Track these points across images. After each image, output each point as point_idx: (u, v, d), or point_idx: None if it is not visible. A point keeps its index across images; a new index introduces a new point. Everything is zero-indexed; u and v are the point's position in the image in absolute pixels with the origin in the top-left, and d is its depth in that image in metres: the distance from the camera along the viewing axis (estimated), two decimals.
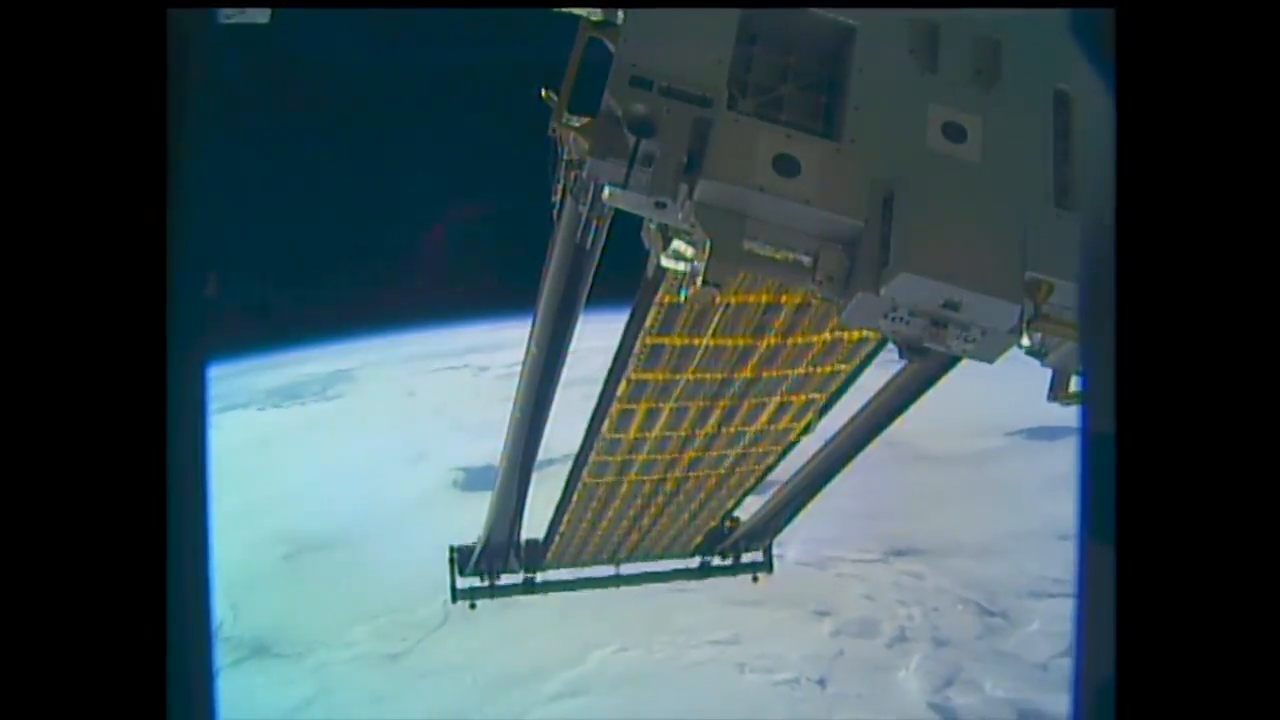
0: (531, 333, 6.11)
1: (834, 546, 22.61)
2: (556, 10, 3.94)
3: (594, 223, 4.71)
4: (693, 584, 10.34)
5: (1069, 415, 4.05)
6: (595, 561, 9.65)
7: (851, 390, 6.65)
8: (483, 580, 9.60)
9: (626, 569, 9.81)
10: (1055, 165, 3.78)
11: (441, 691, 20.39)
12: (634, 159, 3.52)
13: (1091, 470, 1.73)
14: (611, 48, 3.71)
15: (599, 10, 3.86)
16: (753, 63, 3.97)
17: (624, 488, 7.83)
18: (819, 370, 6.20)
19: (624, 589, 9.96)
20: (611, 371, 6.08)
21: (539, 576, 9.68)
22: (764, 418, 6.87)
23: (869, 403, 6.77)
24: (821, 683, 20.63)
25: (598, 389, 6.36)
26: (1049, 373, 4.09)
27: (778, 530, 9.69)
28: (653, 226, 3.89)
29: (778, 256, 3.60)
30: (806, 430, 7.21)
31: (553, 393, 6.62)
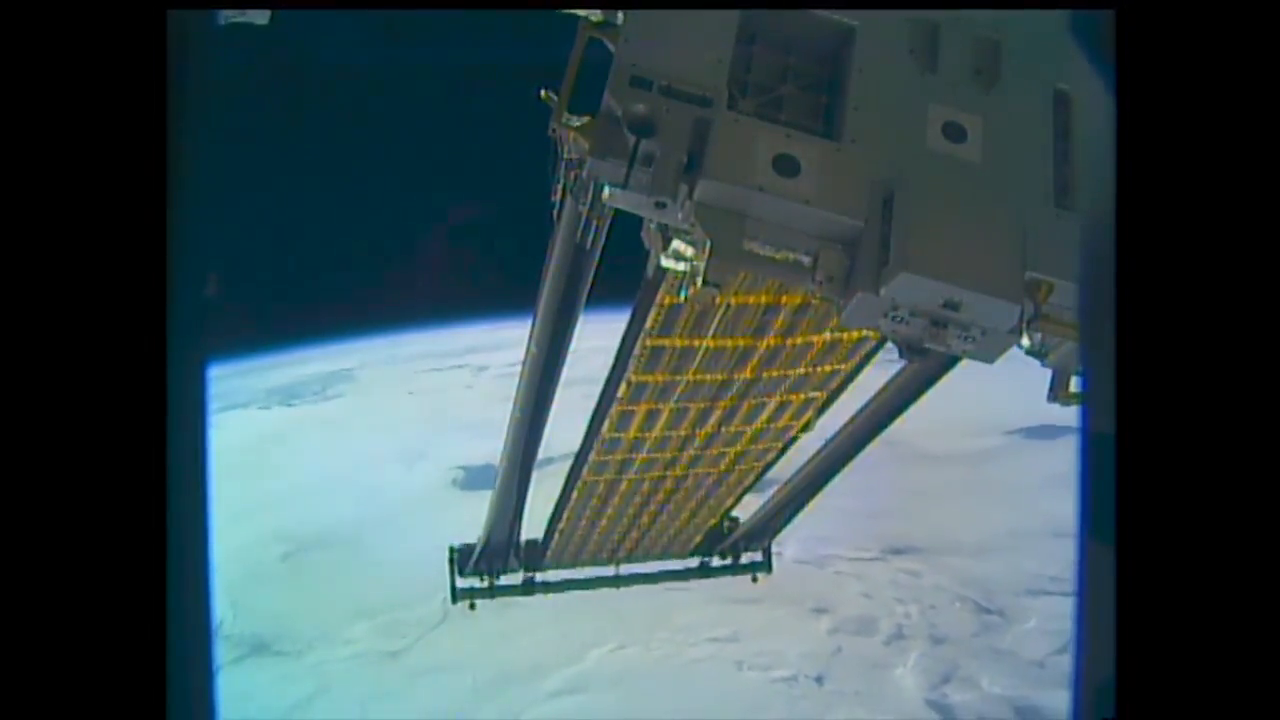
0: (531, 333, 6.11)
1: (832, 545, 22.66)
2: (556, 10, 3.94)
3: (594, 223, 4.70)
4: (691, 582, 10.34)
5: (1067, 414, 4.06)
6: (595, 562, 9.65)
7: (851, 389, 6.65)
8: (482, 580, 9.60)
9: (626, 569, 9.82)
10: (1055, 165, 3.78)
11: (440, 689, 20.42)
12: (634, 159, 3.52)
13: (1091, 470, 1.73)
14: (611, 48, 3.71)
15: (599, 10, 3.86)
16: (753, 63, 3.96)
17: (624, 486, 7.83)
18: (819, 369, 6.20)
19: (623, 587, 9.97)
20: (612, 372, 6.08)
21: (538, 577, 9.67)
22: (764, 417, 6.87)
23: (869, 402, 6.77)
24: (819, 680, 20.67)
25: (598, 389, 6.36)
26: (1047, 372, 4.09)
27: (777, 530, 9.68)
28: (653, 226, 3.89)
29: (778, 256, 3.60)
30: (806, 428, 7.21)
31: (553, 393, 6.62)
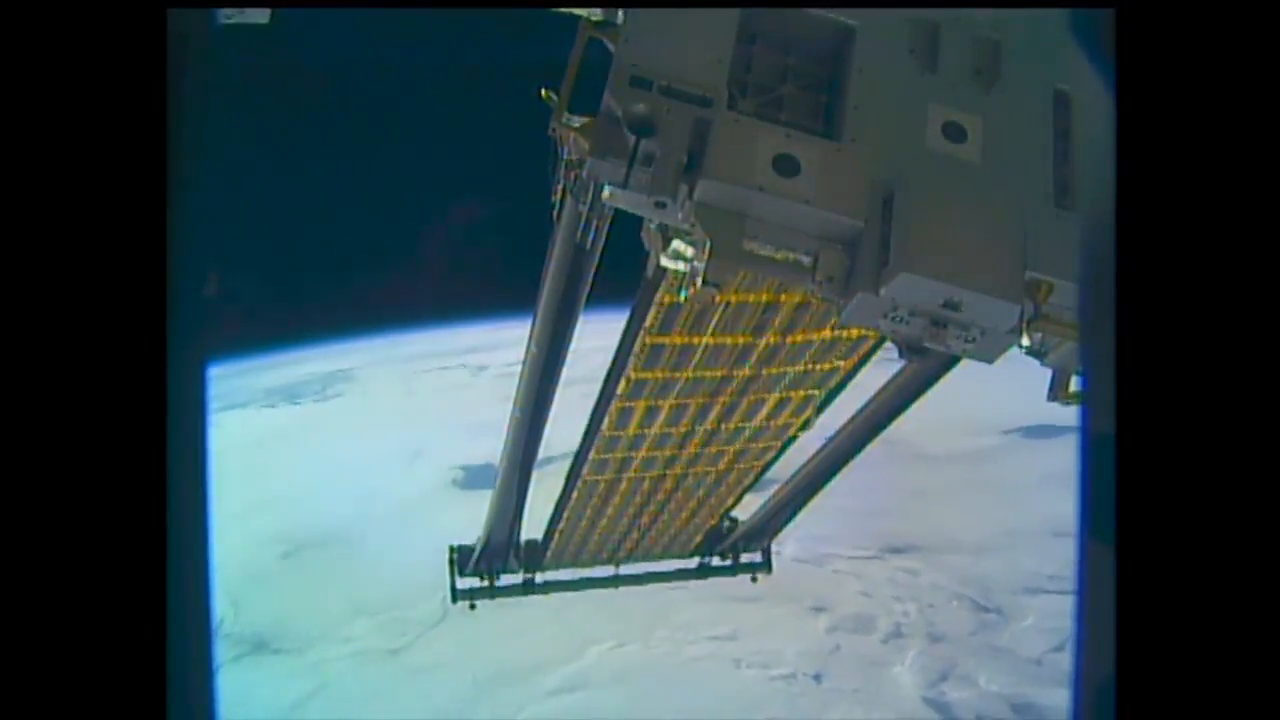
0: (531, 332, 6.12)
1: (831, 544, 22.73)
2: (556, 10, 3.94)
3: (594, 223, 4.71)
4: (691, 582, 10.35)
5: (1065, 414, 4.06)
6: (595, 562, 9.65)
7: (851, 389, 6.65)
8: (482, 580, 9.60)
9: (625, 569, 9.82)
10: (1055, 165, 3.78)
11: (440, 686, 20.47)
12: (634, 159, 3.52)
13: (1091, 470, 1.73)
14: (611, 48, 3.71)
15: (599, 10, 3.86)
16: (753, 63, 3.96)
17: (623, 485, 7.84)
18: (818, 367, 6.21)
19: (622, 588, 9.97)
20: (611, 370, 6.08)
21: (538, 577, 9.68)
22: (763, 414, 6.87)
23: (869, 402, 6.77)
24: (817, 678, 20.74)
25: (597, 388, 6.37)
26: (1045, 371, 4.09)
27: (777, 531, 9.69)
28: (653, 226, 3.89)
29: (778, 256, 3.60)
30: (805, 426, 7.21)
31: (553, 392, 6.63)
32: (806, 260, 3.60)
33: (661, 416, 6.63)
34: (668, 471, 7.71)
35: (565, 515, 8.38)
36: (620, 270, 5.20)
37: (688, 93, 3.61)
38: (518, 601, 9.81)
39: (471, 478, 24.85)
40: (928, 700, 20.08)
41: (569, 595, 9.98)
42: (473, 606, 9.72)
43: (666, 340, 5.62)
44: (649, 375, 6.00)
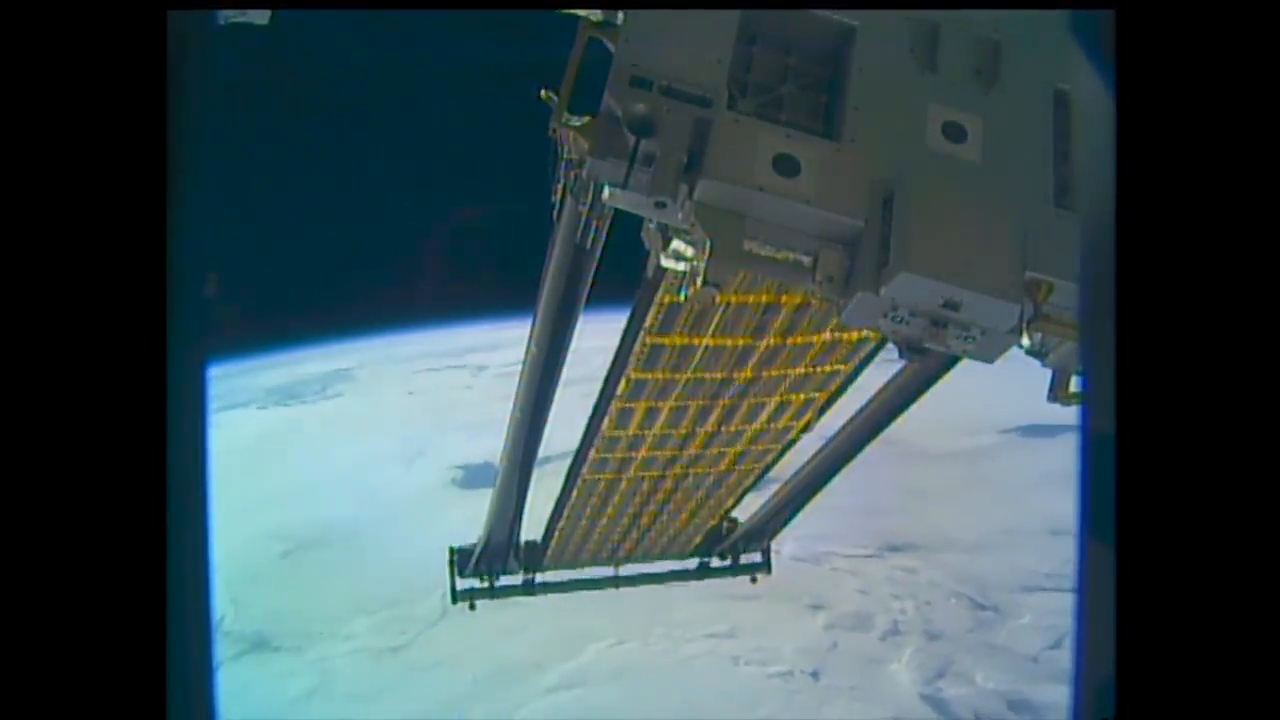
0: (531, 332, 6.11)
1: (829, 542, 22.77)
2: (556, 10, 3.94)
3: (594, 223, 4.71)
4: (690, 581, 10.36)
5: (1062, 413, 4.06)
6: (594, 562, 9.65)
7: (851, 390, 6.65)
8: (482, 581, 9.61)
9: (625, 570, 9.82)
10: (1055, 165, 3.78)
11: (440, 684, 20.49)
12: (634, 159, 3.52)
13: (1091, 470, 1.73)
14: (611, 48, 3.71)
15: (599, 10, 3.86)
16: (753, 63, 3.96)
17: (623, 485, 7.83)
18: (819, 370, 6.20)
19: (622, 588, 9.98)
20: (611, 371, 6.08)
21: (538, 577, 9.68)
22: (764, 416, 6.87)
23: (869, 403, 6.77)
24: (815, 675, 20.78)
25: (597, 388, 6.37)
26: (1042, 370, 4.09)
27: (776, 531, 9.69)
28: (653, 226, 3.89)
29: (778, 256, 3.60)
30: (806, 429, 7.21)
31: (552, 393, 6.62)
32: (806, 260, 3.59)
33: (662, 417, 6.62)
34: (668, 472, 7.71)
35: (565, 515, 8.38)
36: (620, 270, 5.20)
37: (688, 93, 3.61)
38: (517, 600, 9.82)
39: (471, 477, 24.88)
40: (925, 697, 20.12)
41: (568, 594, 10.00)
42: (472, 607, 9.73)
43: (667, 341, 5.61)
44: (649, 376, 5.99)
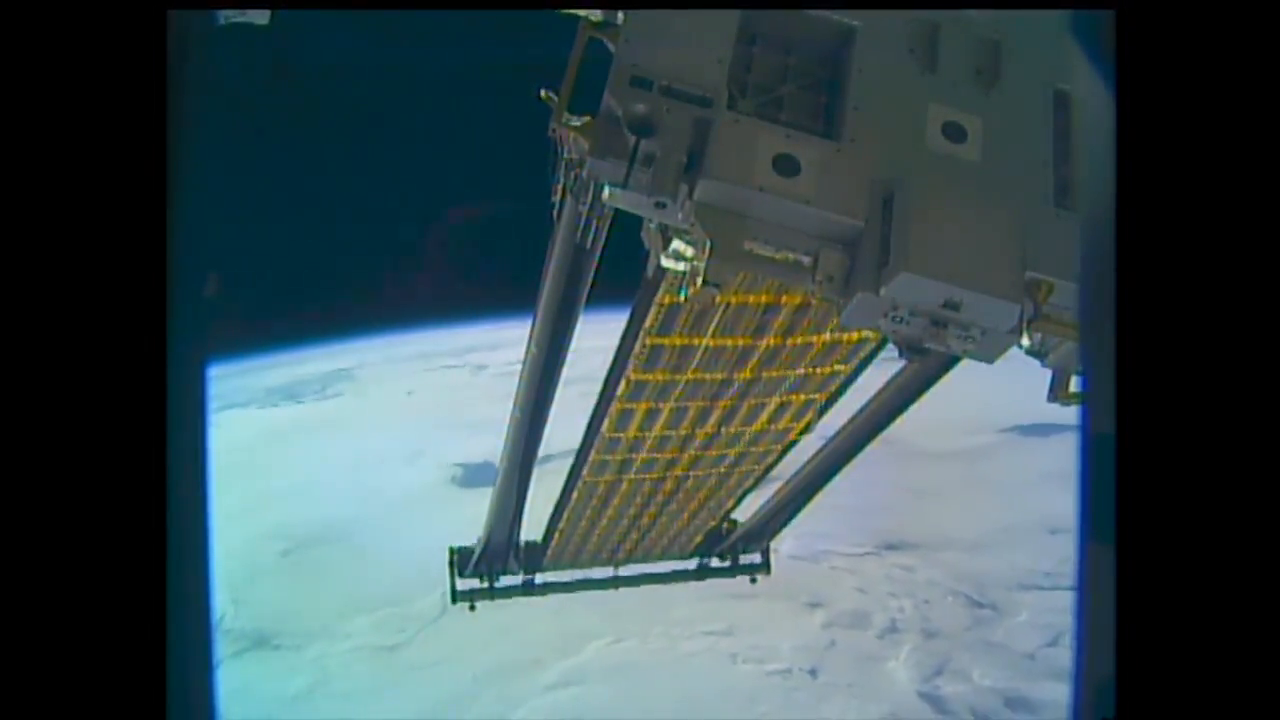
0: (531, 332, 6.11)
1: (827, 541, 22.78)
2: (556, 10, 3.94)
3: (594, 223, 4.70)
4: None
5: (1061, 412, 4.07)
6: (594, 563, 9.66)
7: (851, 390, 6.65)
8: (482, 582, 9.61)
9: (624, 570, 9.83)
10: (1055, 165, 3.78)
11: (439, 682, 20.51)
12: (634, 159, 3.52)
13: (1091, 470, 1.73)
14: (611, 48, 3.71)
15: (599, 10, 3.86)
16: (753, 63, 3.96)
17: (624, 487, 7.83)
18: (819, 370, 6.20)
19: (622, 589, 9.98)
20: (611, 371, 6.08)
21: (538, 578, 9.68)
22: (764, 417, 6.87)
23: (869, 403, 6.77)
24: (813, 673, 20.81)
25: (597, 387, 6.37)
26: (1041, 369, 4.09)
27: (776, 532, 9.69)
28: (653, 226, 3.89)
29: (778, 256, 3.60)
30: (806, 430, 7.21)
31: (553, 393, 6.62)
32: (806, 260, 3.59)
33: (662, 418, 6.62)
34: (668, 473, 7.71)
35: (565, 516, 8.38)
36: (620, 270, 5.20)
37: (688, 93, 3.61)
38: (516, 599, 9.83)
39: (471, 476, 24.90)
40: (922, 694, 20.17)
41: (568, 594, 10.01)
42: (472, 608, 9.73)
43: (667, 341, 5.61)
44: (649, 377, 5.99)
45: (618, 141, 3.54)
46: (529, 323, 6.11)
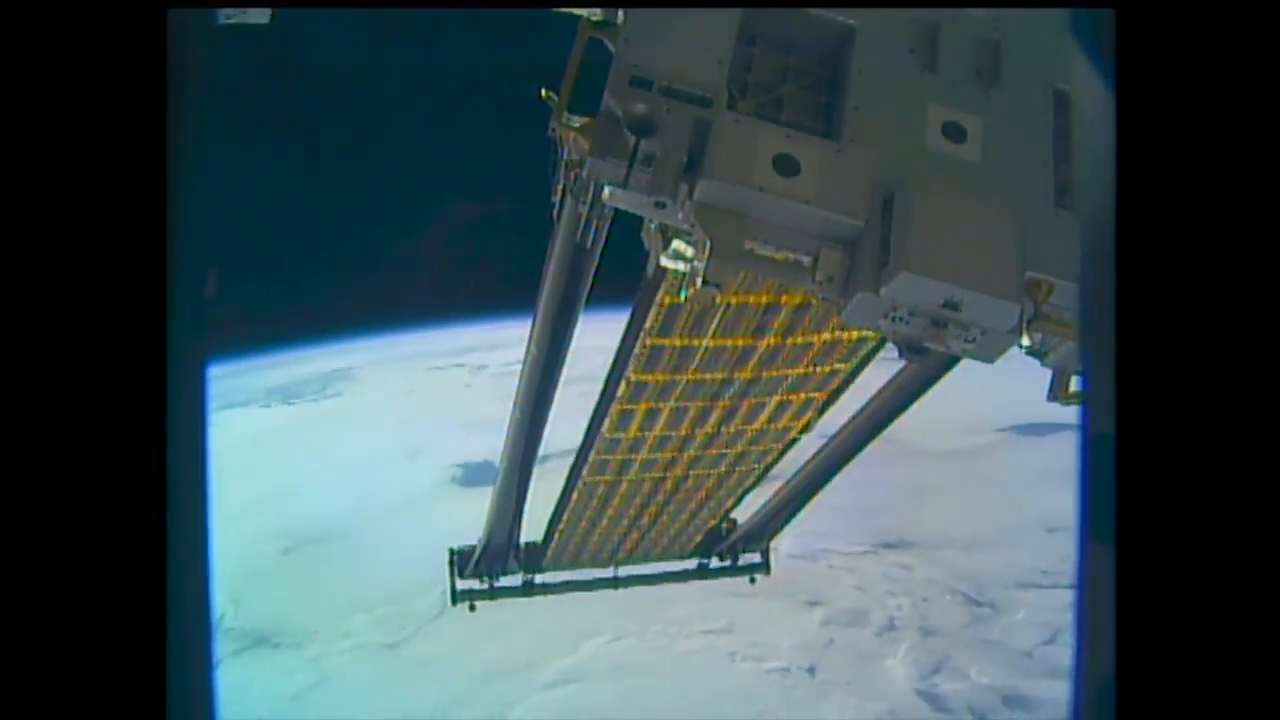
0: (531, 333, 6.11)
1: (826, 539, 22.84)
2: (556, 10, 3.94)
3: (594, 223, 4.70)
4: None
5: (1059, 412, 4.07)
6: (594, 563, 9.66)
7: (851, 389, 6.65)
8: (482, 582, 9.61)
9: (624, 570, 9.83)
10: (1055, 165, 3.78)
11: (438, 680, 20.54)
12: (634, 159, 3.52)
13: (1091, 470, 1.73)
14: (611, 48, 3.71)
15: (599, 10, 3.86)
16: (753, 63, 3.96)
17: (624, 487, 7.83)
18: (819, 369, 6.21)
19: (621, 589, 9.98)
20: (611, 372, 6.08)
21: (538, 578, 9.68)
22: (764, 417, 6.87)
23: (869, 403, 6.77)
24: (811, 671, 20.87)
25: (597, 387, 6.37)
26: (1039, 369, 4.09)
27: (776, 532, 9.69)
28: (653, 226, 3.89)
29: (778, 256, 3.60)
30: (806, 429, 7.22)
31: (553, 393, 6.62)
32: (806, 260, 3.59)
33: (662, 419, 6.62)
34: (668, 473, 7.71)
35: (565, 516, 8.38)
36: (620, 270, 5.20)
37: (688, 93, 3.61)
38: (516, 599, 9.83)
39: (470, 475, 24.93)
40: (920, 692, 20.23)
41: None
42: (472, 608, 9.73)
43: (667, 342, 5.61)
44: (649, 377, 5.99)
45: (618, 141, 3.54)
46: (529, 323, 6.11)
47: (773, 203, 3.53)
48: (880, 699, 20.21)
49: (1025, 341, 3.64)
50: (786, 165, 3.56)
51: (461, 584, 9.62)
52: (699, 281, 3.58)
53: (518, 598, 9.74)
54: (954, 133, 3.74)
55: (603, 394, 6.34)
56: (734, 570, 10.07)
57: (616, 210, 3.90)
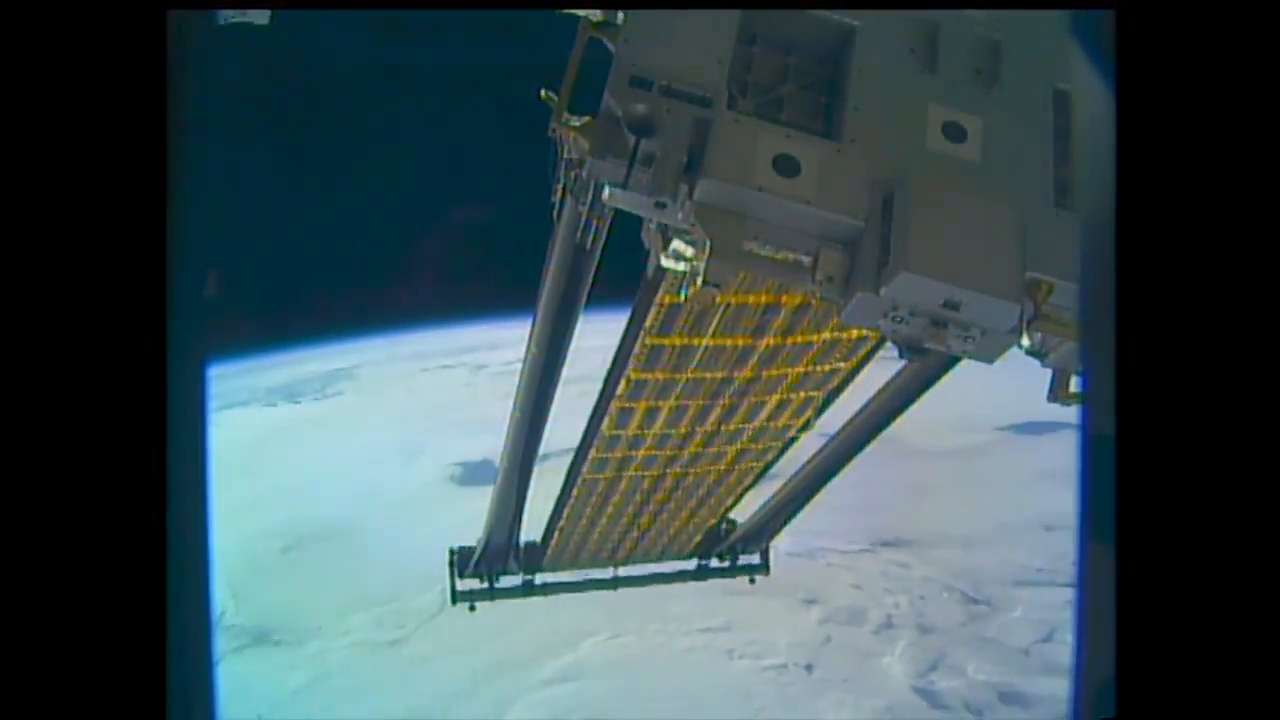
0: (531, 332, 6.11)
1: (824, 538, 22.87)
2: (556, 10, 3.94)
3: (594, 223, 4.70)
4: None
5: (1057, 411, 4.07)
6: (594, 562, 9.66)
7: (850, 389, 6.65)
8: (482, 582, 9.61)
9: (624, 570, 9.83)
10: (1055, 165, 3.78)
11: (437, 678, 20.56)
12: (634, 159, 3.52)
13: (1091, 470, 1.73)
14: (611, 48, 3.71)
15: (599, 10, 3.86)
16: (753, 63, 3.96)
17: (623, 485, 7.84)
18: (818, 368, 6.21)
19: (621, 589, 9.99)
20: (611, 371, 6.08)
21: (538, 578, 9.68)
22: (763, 415, 6.87)
23: (868, 403, 6.77)
24: (809, 668, 20.92)
25: (597, 386, 6.37)
26: (1037, 368, 4.09)
27: (775, 532, 9.69)
28: (653, 226, 3.89)
29: (778, 256, 3.60)
30: (806, 428, 7.22)
31: (553, 393, 6.62)
32: (806, 260, 3.59)
33: (661, 417, 6.63)
34: (668, 471, 7.71)
35: (565, 515, 8.38)
36: (620, 270, 5.20)
37: (688, 93, 3.61)
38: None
39: (470, 474, 24.96)
40: (917, 689, 20.26)
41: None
42: (472, 608, 9.73)
43: (667, 341, 5.61)
44: (649, 376, 5.99)
45: (618, 141, 3.54)
46: (529, 323, 6.11)
47: (773, 203, 3.53)
48: (877, 696, 20.25)
49: (1025, 341, 3.64)
50: (786, 165, 3.56)
51: (461, 584, 9.62)
52: (699, 281, 3.58)
53: (517, 598, 9.74)
54: (954, 133, 3.73)
55: (602, 392, 6.34)
56: (734, 570, 10.08)
57: (616, 210, 3.90)
